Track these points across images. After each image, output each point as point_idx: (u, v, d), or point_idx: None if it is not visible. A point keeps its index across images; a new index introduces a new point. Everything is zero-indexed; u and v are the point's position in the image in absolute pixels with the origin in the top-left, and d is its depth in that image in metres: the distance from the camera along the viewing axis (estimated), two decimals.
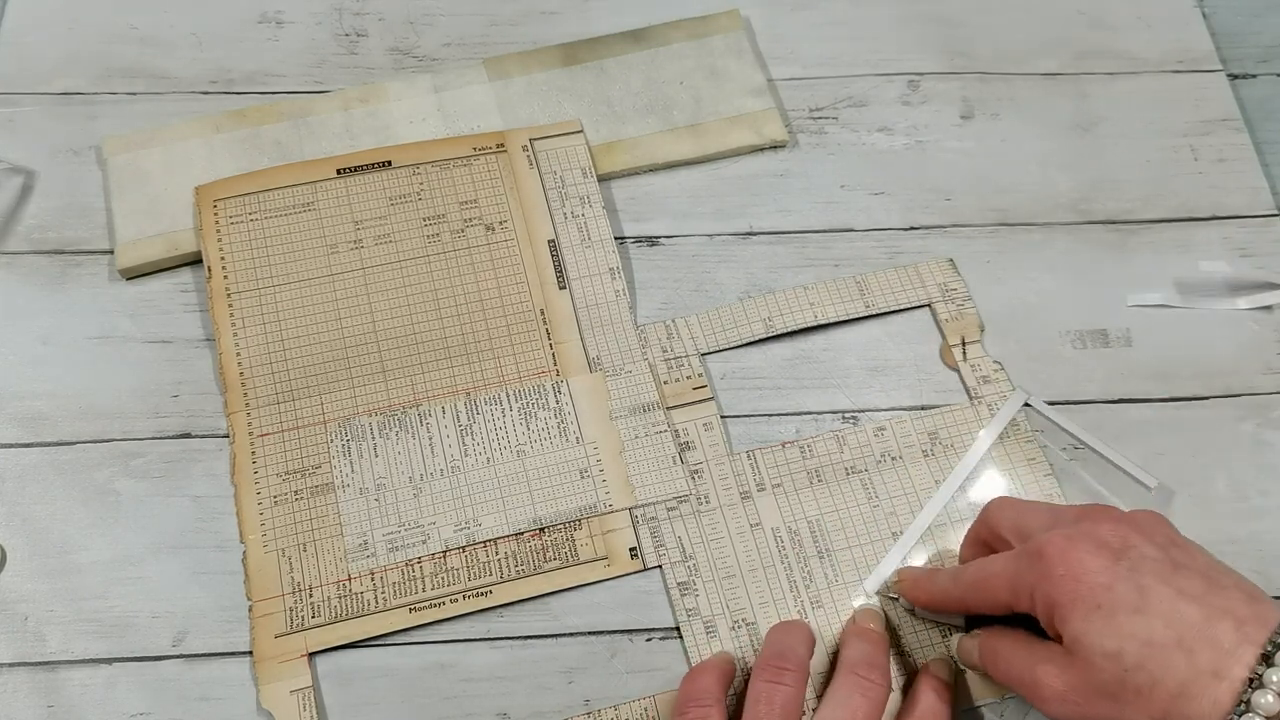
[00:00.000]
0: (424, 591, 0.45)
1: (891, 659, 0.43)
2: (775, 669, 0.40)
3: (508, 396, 0.48)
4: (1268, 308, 0.51)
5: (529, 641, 0.44)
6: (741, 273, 0.52)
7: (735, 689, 0.42)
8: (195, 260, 0.51)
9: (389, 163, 0.53)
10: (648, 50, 0.56)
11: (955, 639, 0.43)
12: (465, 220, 0.52)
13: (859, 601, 0.45)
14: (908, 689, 0.43)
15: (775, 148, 0.55)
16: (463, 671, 0.44)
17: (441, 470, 0.47)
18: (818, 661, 0.43)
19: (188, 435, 0.48)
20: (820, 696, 0.41)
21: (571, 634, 0.45)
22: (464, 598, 0.44)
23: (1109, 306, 0.52)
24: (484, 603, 0.44)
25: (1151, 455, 0.48)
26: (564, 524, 0.46)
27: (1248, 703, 0.33)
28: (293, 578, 0.45)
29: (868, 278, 0.52)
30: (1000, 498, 0.43)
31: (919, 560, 0.45)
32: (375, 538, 0.45)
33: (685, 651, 0.44)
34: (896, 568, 0.45)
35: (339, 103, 0.54)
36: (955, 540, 0.46)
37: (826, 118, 0.56)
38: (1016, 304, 0.51)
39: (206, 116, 0.54)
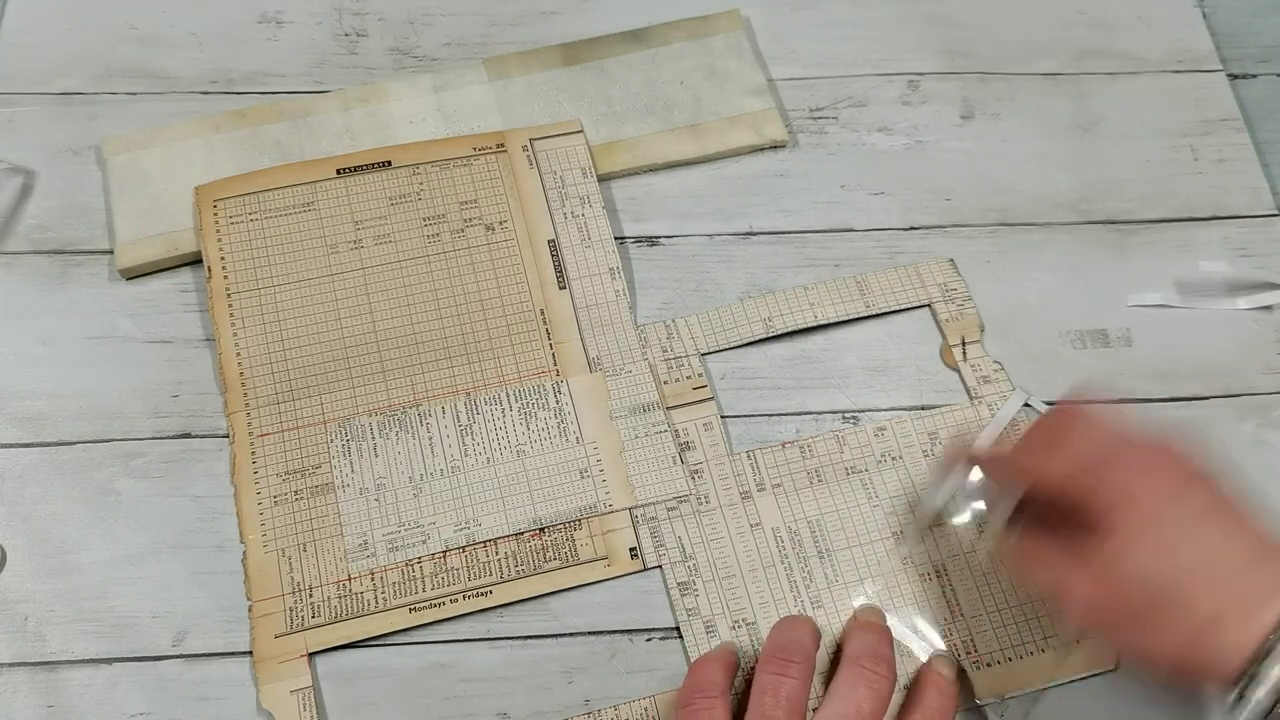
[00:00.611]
0: (424, 591, 0.45)
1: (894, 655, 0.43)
2: (781, 661, 0.40)
3: (508, 396, 0.48)
4: (1268, 308, 0.51)
5: (529, 641, 0.45)
6: (741, 273, 0.52)
7: (737, 688, 0.42)
8: (195, 260, 0.51)
9: (389, 163, 0.53)
10: (648, 50, 0.56)
11: (987, 532, 0.42)
12: (465, 220, 0.52)
13: (859, 601, 0.45)
14: (909, 688, 0.43)
15: (775, 148, 0.55)
16: (463, 671, 0.44)
17: (441, 470, 0.47)
18: (819, 661, 0.43)
19: (188, 435, 0.48)
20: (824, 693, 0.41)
21: (571, 634, 0.45)
22: (464, 598, 0.44)
23: (1109, 306, 0.52)
24: (484, 603, 0.44)
25: None
26: (564, 524, 0.46)
27: (1272, 650, 0.33)
28: (293, 578, 0.45)
29: (868, 278, 0.52)
30: (1076, 403, 0.43)
31: (910, 558, 0.45)
32: (375, 538, 0.45)
33: (685, 651, 0.44)
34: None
35: (339, 103, 0.54)
36: (955, 539, 0.46)
37: (826, 118, 0.56)
38: (1016, 304, 0.51)
39: (206, 116, 0.54)
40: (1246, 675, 0.33)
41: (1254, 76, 0.58)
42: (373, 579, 0.45)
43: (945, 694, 0.41)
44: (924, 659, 0.44)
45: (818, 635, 0.42)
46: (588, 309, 0.50)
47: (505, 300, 0.50)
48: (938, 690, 0.41)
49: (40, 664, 0.44)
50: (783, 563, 0.46)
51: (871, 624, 0.43)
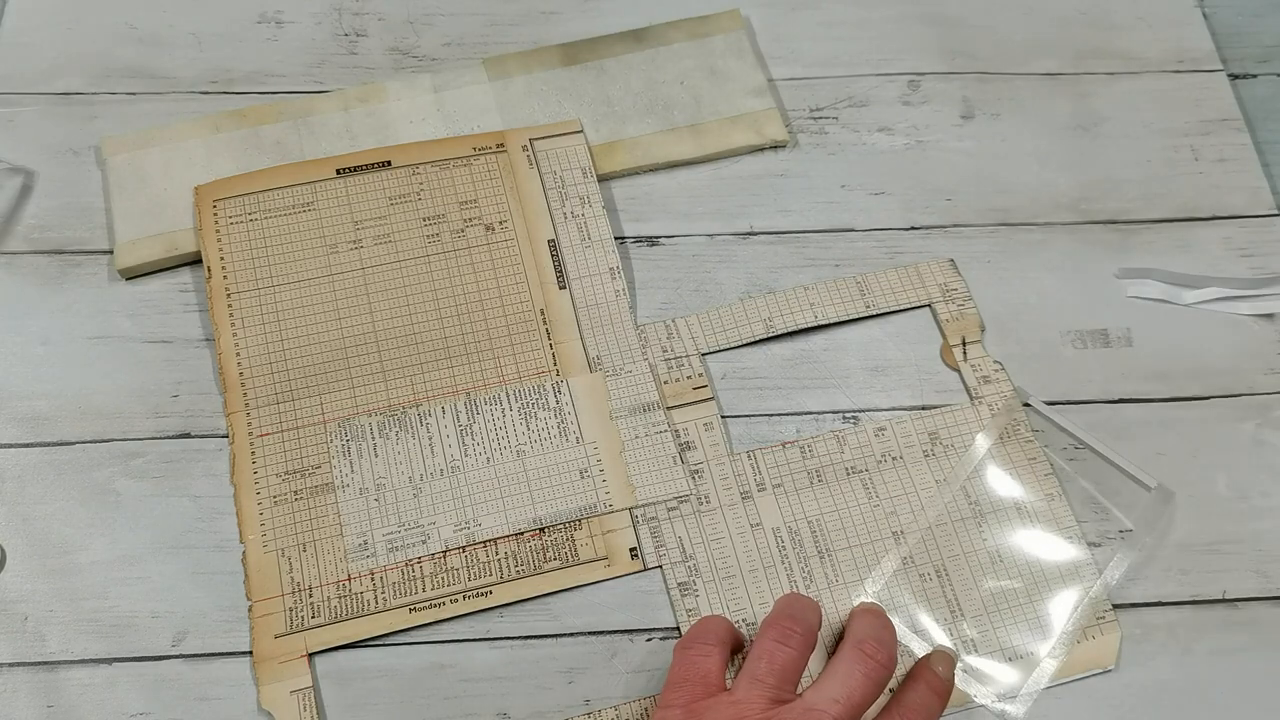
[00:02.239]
0: (424, 591, 0.45)
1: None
2: (784, 629, 0.40)
3: (508, 396, 0.48)
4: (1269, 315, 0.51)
5: (529, 641, 0.44)
6: (741, 273, 0.52)
7: (733, 667, 0.42)
8: (195, 260, 0.51)
9: (389, 163, 0.53)
10: (648, 50, 0.56)
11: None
12: (465, 220, 0.52)
13: (859, 601, 0.45)
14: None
15: (775, 148, 0.55)
16: (463, 671, 0.44)
17: (441, 470, 0.47)
18: (816, 660, 0.43)
19: (188, 435, 0.48)
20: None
21: (571, 634, 0.45)
22: (464, 598, 0.44)
23: (1109, 306, 0.52)
24: (484, 603, 0.44)
25: (1151, 455, 0.48)
26: (564, 524, 0.46)
27: None
28: (292, 578, 0.45)
29: (868, 278, 0.52)
30: None
31: (910, 558, 0.45)
32: (375, 538, 0.45)
33: None
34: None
35: (339, 103, 0.54)
36: (956, 541, 0.46)
37: (827, 118, 0.56)
38: (1017, 304, 0.51)
39: (206, 116, 0.54)
40: None
41: (1254, 76, 0.58)
42: (372, 579, 0.45)
43: (934, 690, 0.41)
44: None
45: (821, 616, 0.42)
46: (588, 309, 0.50)
47: (505, 300, 0.50)
48: (927, 686, 0.41)
49: (40, 664, 0.44)
50: (783, 563, 0.45)
51: (878, 610, 0.43)
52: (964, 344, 0.50)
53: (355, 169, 0.53)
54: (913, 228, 0.53)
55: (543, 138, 0.54)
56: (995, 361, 0.50)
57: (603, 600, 0.45)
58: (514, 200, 0.52)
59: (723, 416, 0.49)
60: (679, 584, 0.45)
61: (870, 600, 0.45)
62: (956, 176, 0.55)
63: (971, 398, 0.49)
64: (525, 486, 0.47)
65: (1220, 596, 0.46)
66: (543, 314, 0.50)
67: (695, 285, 0.52)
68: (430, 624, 0.44)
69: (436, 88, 0.55)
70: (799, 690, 0.39)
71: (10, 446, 0.47)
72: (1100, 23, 0.59)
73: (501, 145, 0.53)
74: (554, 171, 0.53)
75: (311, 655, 0.44)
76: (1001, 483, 0.47)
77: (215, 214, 0.51)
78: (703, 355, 0.50)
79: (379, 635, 0.44)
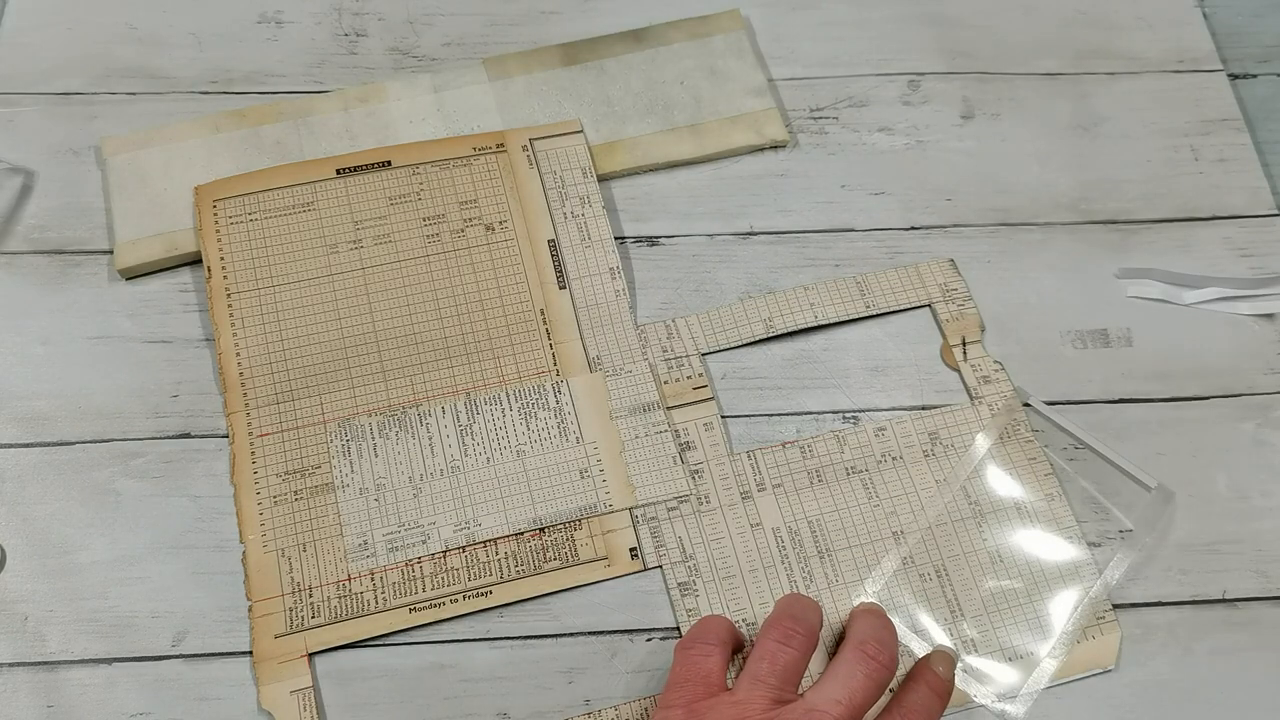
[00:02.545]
0: (424, 592, 0.45)
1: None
2: (786, 630, 0.40)
3: (507, 396, 0.48)
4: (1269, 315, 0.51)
5: (529, 641, 0.44)
6: (741, 273, 0.52)
7: (734, 667, 0.42)
8: (195, 260, 0.51)
9: (389, 163, 0.53)
10: (648, 50, 0.56)
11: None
12: (465, 220, 0.52)
13: (859, 601, 0.45)
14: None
15: (776, 148, 0.55)
16: (463, 671, 0.44)
17: (441, 470, 0.47)
18: (817, 660, 0.43)
19: (187, 435, 0.48)
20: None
21: (571, 634, 0.45)
22: (464, 598, 0.44)
23: (1109, 306, 0.52)
24: (484, 603, 0.44)
25: (1151, 455, 0.48)
26: (564, 524, 0.46)
27: None
28: (292, 578, 0.45)
29: (868, 278, 0.52)
30: None
31: (910, 558, 0.45)
32: (375, 538, 0.45)
33: None
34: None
35: (339, 103, 0.54)
36: (956, 541, 0.46)
37: (827, 118, 0.56)
38: (1017, 304, 0.51)
39: (206, 116, 0.54)
40: None
41: (1254, 76, 0.58)
42: (372, 579, 0.45)
43: (935, 691, 0.41)
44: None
45: (822, 616, 0.42)
46: (588, 309, 0.50)
47: (505, 300, 0.50)
48: (928, 687, 0.41)
49: (40, 664, 0.44)
50: (783, 563, 0.45)
51: (878, 610, 0.43)
52: (964, 344, 0.50)
53: (355, 169, 0.53)
54: (913, 228, 0.53)
55: (543, 138, 0.54)
56: (995, 361, 0.50)
57: (603, 600, 0.45)
58: (514, 200, 0.52)
59: (723, 416, 0.49)
60: (679, 584, 0.45)
61: (870, 600, 0.45)
62: (956, 176, 0.55)
63: (971, 398, 0.49)
64: (525, 486, 0.47)
65: (1220, 596, 0.46)
66: (543, 314, 0.50)
67: (695, 285, 0.52)
68: (430, 624, 0.44)
69: (436, 88, 0.55)
70: (800, 691, 0.39)
71: (10, 446, 0.47)
72: (1100, 23, 0.59)
73: (501, 145, 0.53)
74: (554, 171, 0.53)
75: (311, 655, 0.44)
76: (1001, 483, 0.47)
77: (215, 214, 0.51)
78: (703, 355, 0.50)
79: (379, 635, 0.44)
